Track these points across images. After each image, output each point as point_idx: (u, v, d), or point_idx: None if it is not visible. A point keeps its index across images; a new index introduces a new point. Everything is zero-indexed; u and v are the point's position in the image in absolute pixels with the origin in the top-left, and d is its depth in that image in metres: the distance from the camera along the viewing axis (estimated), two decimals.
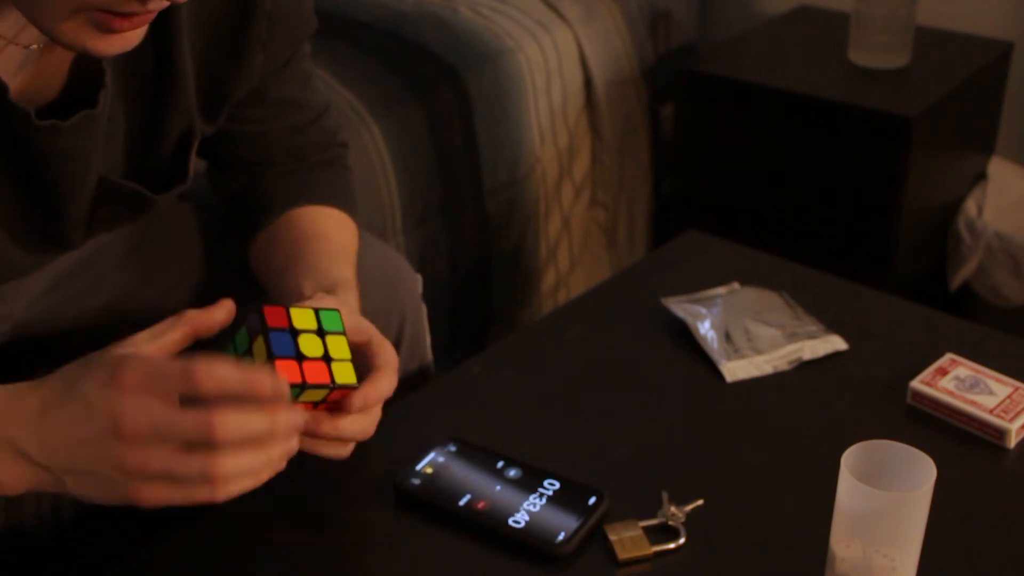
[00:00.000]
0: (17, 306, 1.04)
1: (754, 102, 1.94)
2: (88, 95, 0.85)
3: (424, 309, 1.19)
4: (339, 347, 0.85)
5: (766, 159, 1.96)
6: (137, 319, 1.12)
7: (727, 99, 1.98)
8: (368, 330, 0.90)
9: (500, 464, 0.97)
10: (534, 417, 1.06)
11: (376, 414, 0.89)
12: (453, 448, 0.99)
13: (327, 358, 0.83)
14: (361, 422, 0.87)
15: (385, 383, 0.87)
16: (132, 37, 0.75)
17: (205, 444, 0.71)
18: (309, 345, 0.83)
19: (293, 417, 0.76)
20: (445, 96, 1.81)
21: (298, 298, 0.96)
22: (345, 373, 0.84)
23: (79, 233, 0.92)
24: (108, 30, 0.72)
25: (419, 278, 1.19)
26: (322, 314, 0.85)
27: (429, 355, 1.21)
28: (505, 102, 1.88)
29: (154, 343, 0.79)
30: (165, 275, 1.13)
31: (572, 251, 2.07)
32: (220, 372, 0.72)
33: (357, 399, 0.85)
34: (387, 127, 1.70)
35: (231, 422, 0.72)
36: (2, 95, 0.78)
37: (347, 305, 0.92)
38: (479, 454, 0.99)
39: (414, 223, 1.74)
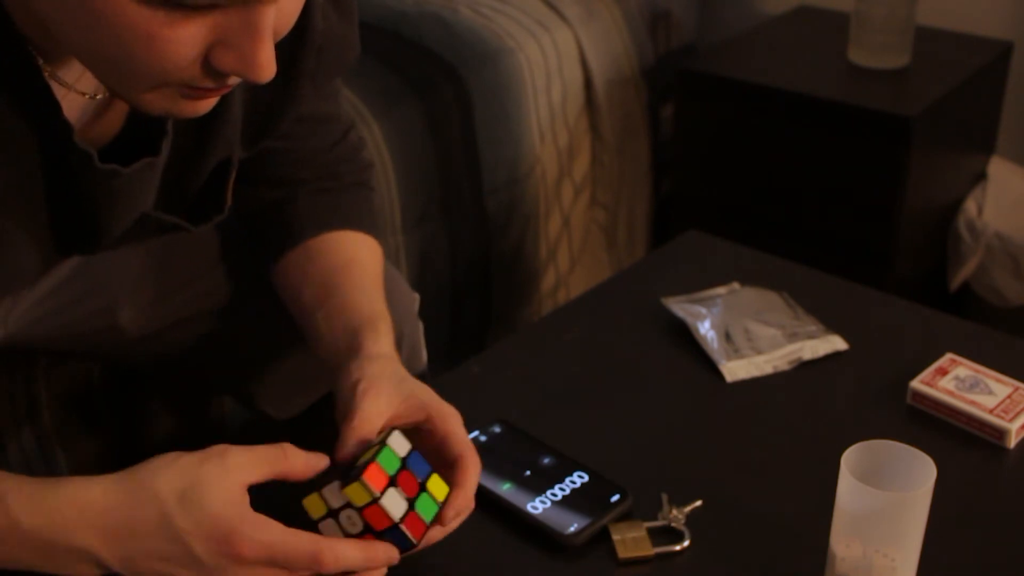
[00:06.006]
0: (12, 313, 1.04)
1: (754, 102, 1.94)
2: (146, 135, 0.84)
3: (421, 326, 1.18)
4: (408, 484, 0.82)
5: (766, 159, 1.96)
6: (127, 329, 1.12)
7: (727, 99, 1.97)
8: (424, 403, 0.88)
9: (537, 451, 1.00)
10: (534, 417, 1.06)
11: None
12: (498, 429, 1.02)
13: (411, 503, 0.81)
14: (464, 501, 0.86)
15: (471, 476, 0.86)
16: (214, 100, 0.76)
17: None
18: (392, 504, 0.80)
19: (392, 556, 0.81)
20: (445, 96, 1.81)
21: (331, 344, 0.94)
22: (428, 509, 0.82)
23: (103, 247, 0.91)
24: (194, 98, 0.73)
25: (416, 296, 1.18)
26: (380, 461, 0.81)
27: (425, 370, 1.21)
28: (505, 102, 1.88)
29: (246, 472, 0.79)
30: (161, 283, 1.12)
31: (572, 251, 2.07)
32: (344, 553, 0.78)
33: (454, 507, 0.84)
34: (387, 126, 1.70)
35: None
36: (67, 136, 0.78)
37: (380, 358, 0.90)
38: (521, 439, 1.01)
39: (414, 222, 1.74)
